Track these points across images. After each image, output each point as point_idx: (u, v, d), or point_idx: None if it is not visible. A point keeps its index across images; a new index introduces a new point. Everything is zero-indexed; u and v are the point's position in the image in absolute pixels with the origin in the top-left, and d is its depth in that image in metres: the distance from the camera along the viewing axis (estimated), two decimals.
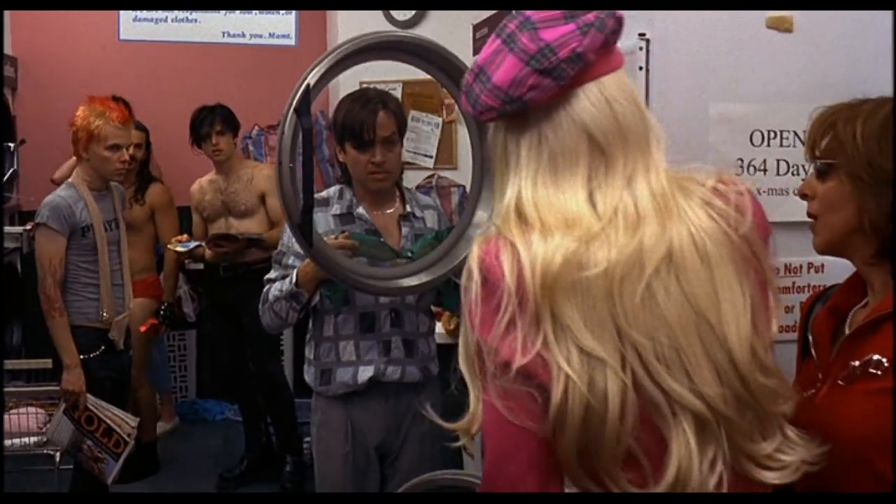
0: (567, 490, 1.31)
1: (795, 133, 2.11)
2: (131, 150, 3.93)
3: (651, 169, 1.29)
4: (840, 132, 1.52)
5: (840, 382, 1.51)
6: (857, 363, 1.49)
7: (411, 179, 5.21)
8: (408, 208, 2.82)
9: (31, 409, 4.08)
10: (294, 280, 2.64)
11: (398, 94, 5.21)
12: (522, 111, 1.29)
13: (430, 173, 5.48)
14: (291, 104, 2.42)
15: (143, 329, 4.73)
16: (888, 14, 2.12)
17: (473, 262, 1.27)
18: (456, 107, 4.77)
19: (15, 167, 5.63)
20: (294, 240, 2.58)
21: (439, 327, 2.97)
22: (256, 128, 5.76)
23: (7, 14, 5.42)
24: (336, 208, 2.76)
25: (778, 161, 2.13)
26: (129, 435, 3.70)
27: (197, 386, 6.23)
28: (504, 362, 1.23)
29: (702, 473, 1.22)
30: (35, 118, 5.80)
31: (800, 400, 1.54)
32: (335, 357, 2.75)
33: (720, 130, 2.09)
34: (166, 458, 5.17)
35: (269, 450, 5.04)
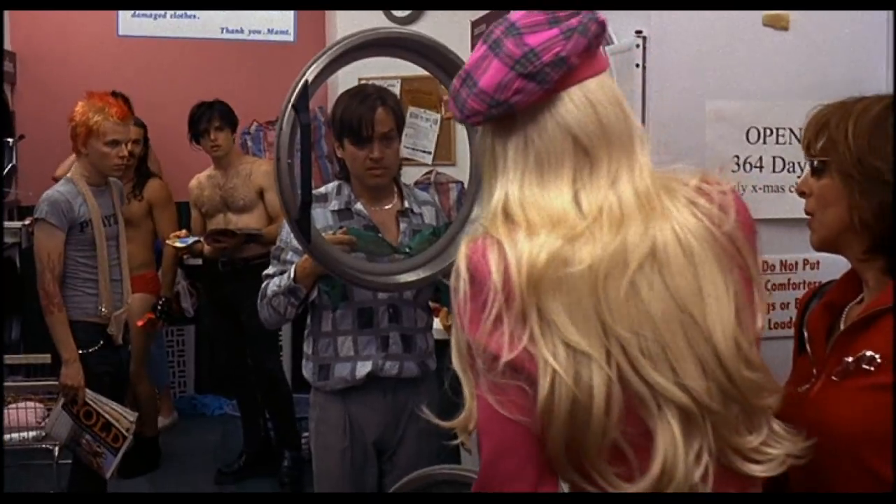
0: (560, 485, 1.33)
1: (791, 130, 2.12)
2: (130, 146, 3.93)
3: (635, 169, 1.31)
4: (833, 131, 1.53)
5: (834, 378, 1.53)
6: (850, 359, 1.50)
7: (410, 175, 5.22)
8: (406, 204, 2.82)
9: (30, 404, 4.10)
10: (292, 275, 2.65)
11: (397, 90, 5.21)
12: (509, 115, 1.32)
13: (428, 169, 5.48)
14: (289, 100, 2.43)
15: (140, 324, 4.74)
16: (883, 13, 2.13)
17: (461, 262, 1.30)
18: None
19: (14, 162, 5.63)
20: (292, 235, 2.59)
21: (437, 323, 2.97)
22: (255, 123, 5.77)
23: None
24: (334, 204, 2.77)
25: (774, 158, 2.14)
26: (127, 429, 3.71)
27: (195, 381, 6.24)
28: (492, 357, 1.25)
29: (687, 465, 1.24)
30: (34, 114, 5.80)
31: (790, 394, 1.56)
32: (333, 352, 2.76)
33: (716, 127, 2.10)
34: (165, 453, 5.18)
35: (267, 445, 5.05)
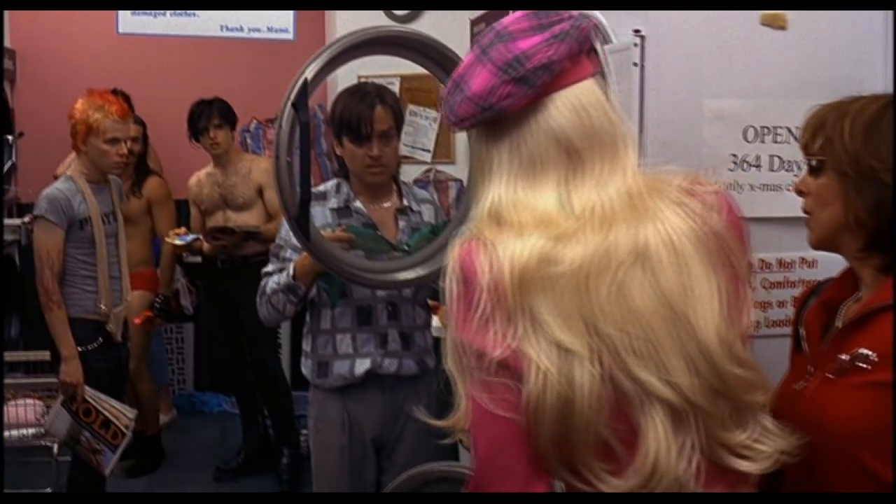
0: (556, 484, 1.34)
1: (789, 129, 2.12)
2: (129, 144, 3.94)
3: (623, 170, 1.34)
4: (829, 130, 1.54)
5: (829, 376, 1.53)
6: (846, 357, 1.51)
7: (409, 173, 5.22)
8: (405, 202, 2.83)
9: (29, 401, 4.10)
10: (291, 273, 2.66)
11: (396, 88, 5.21)
12: (498, 119, 1.35)
13: (427, 167, 5.48)
14: (289, 98, 2.44)
15: (137, 322, 4.75)
16: (880, 13, 2.13)
17: (452, 263, 1.33)
18: None
19: (13, 160, 5.63)
20: (292, 233, 2.60)
21: (436, 321, 2.98)
22: (254, 121, 5.77)
23: None
24: (333, 202, 2.77)
25: (771, 157, 2.14)
26: (126, 427, 3.72)
27: (194, 378, 6.24)
28: (481, 355, 1.27)
29: (675, 461, 1.26)
30: (33, 111, 5.81)
31: (786, 391, 1.58)
32: (332, 350, 2.77)
33: (714, 126, 2.10)
34: (163, 450, 5.18)
35: (266, 442, 5.06)
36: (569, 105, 1.34)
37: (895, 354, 1.43)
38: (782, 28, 2.12)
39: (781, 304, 2.17)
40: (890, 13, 2.13)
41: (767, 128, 2.13)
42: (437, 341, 2.92)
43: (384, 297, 2.75)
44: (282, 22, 5.16)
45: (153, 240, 5.12)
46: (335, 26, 5.34)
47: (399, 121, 2.77)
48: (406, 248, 2.72)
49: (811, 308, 1.71)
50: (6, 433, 3.89)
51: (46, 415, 3.88)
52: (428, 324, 2.90)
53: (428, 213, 2.87)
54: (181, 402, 6.04)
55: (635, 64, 2.08)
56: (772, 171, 2.14)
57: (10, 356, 4.45)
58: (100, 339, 3.70)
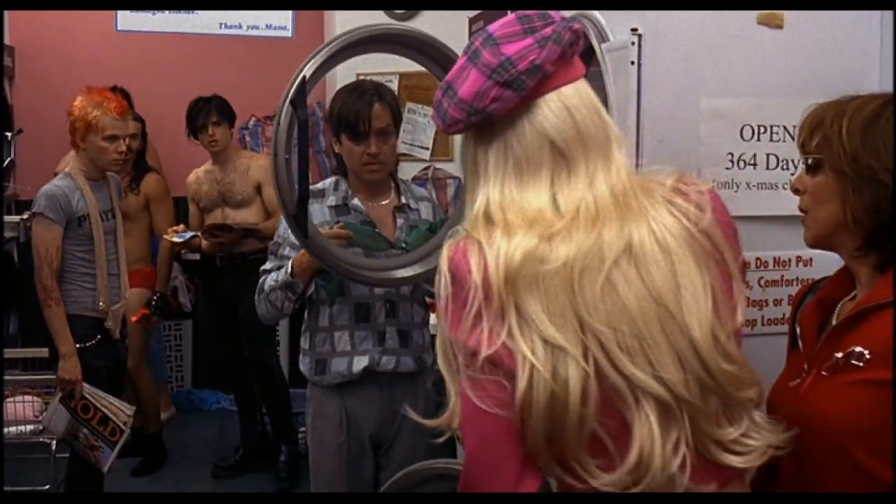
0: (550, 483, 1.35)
1: (785, 128, 2.13)
2: (128, 141, 3.94)
3: (612, 170, 1.36)
4: (827, 128, 1.55)
5: (824, 373, 1.54)
6: (840, 354, 1.52)
7: (408, 171, 5.23)
8: (403, 200, 2.83)
9: (28, 398, 4.11)
10: (289, 270, 2.66)
11: (395, 86, 5.22)
12: (488, 122, 1.37)
13: (426, 165, 5.49)
14: (287, 96, 2.44)
15: (133, 319, 4.75)
16: (877, 12, 2.14)
17: (443, 263, 1.35)
18: None
19: (12, 156, 5.64)
20: (290, 231, 2.60)
21: (433, 318, 2.98)
22: (253, 118, 5.77)
23: None
24: (331, 199, 2.78)
25: (767, 155, 2.15)
26: (124, 423, 3.72)
27: (192, 376, 6.25)
28: (472, 353, 1.29)
29: (665, 456, 1.27)
30: (32, 108, 5.81)
31: (782, 388, 1.59)
32: (330, 347, 2.77)
33: (711, 125, 2.11)
34: None
35: (264, 439, 5.07)
36: (559, 106, 1.36)
37: (895, 351, 1.44)
38: (779, 27, 2.13)
39: (778, 303, 2.18)
40: (885, 12, 2.14)
41: (764, 126, 2.14)
42: (435, 339, 2.92)
43: (382, 294, 2.75)
44: (280, 20, 5.16)
45: (151, 237, 5.12)
46: (334, 24, 5.34)
47: (397, 118, 2.78)
48: (404, 245, 2.72)
49: (807, 306, 1.72)
50: (4, 430, 3.89)
51: (45, 411, 3.88)
52: (426, 321, 2.91)
53: (426, 211, 2.87)
54: (179, 400, 6.04)
55: (633, 62, 2.09)
56: (768, 169, 2.15)
57: (8, 353, 4.45)
58: (98, 336, 3.70)
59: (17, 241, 5.35)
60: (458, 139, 5.35)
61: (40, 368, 4.08)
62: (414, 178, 5.22)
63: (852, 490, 1.48)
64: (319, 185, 2.84)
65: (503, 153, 1.38)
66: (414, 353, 2.81)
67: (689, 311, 1.29)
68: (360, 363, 2.75)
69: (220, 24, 5.14)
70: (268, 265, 2.79)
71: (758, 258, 2.16)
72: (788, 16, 2.13)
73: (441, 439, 1.42)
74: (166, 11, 5.07)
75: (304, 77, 2.45)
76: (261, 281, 2.77)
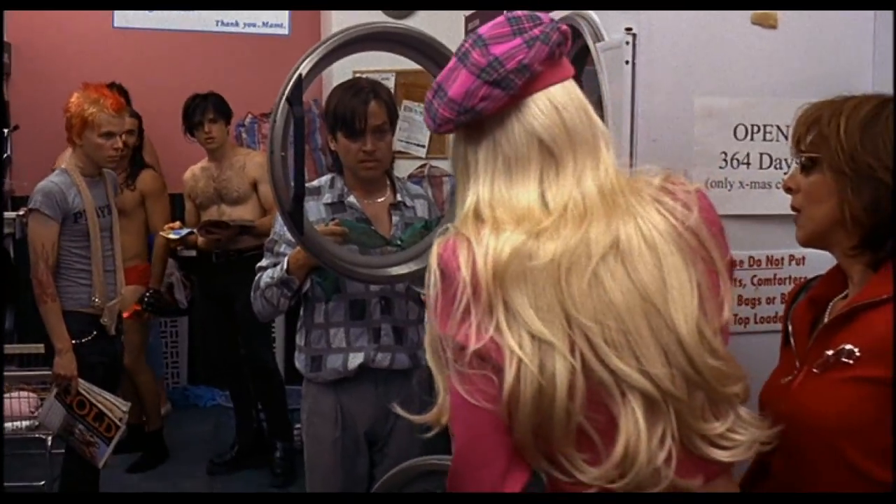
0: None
1: (779, 127, 2.14)
2: (124, 137, 3.94)
3: (600, 168, 1.37)
4: (824, 127, 1.56)
5: (814, 370, 1.56)
6: (831, 352, 1.53)
7: (404, 169, 5.24)
8: (398, 197, 2.84)
9: (23, 394, 4.10)
10: (285, 267, 2.67)
11: (391, 84, 5.22)
12: (477, 121, 1.39)
13: (422, 163, 5.50)
14: (283, 93, 2.45)
15: (125, 315, 4.75)
16: (870, 12, 2.15)
17: (433, 260, 1.36)
18: None
19: (8, 153, 5.63)
20: (286, 228, 2.61)
21: None
22: (250, 116, 5.78)
23: None
24: (327, 197, 2.78)
25: (761, 155, 2.16)
26: (120, 419, 3.72)
27: (188, 372, 6.25)
28: (460, 347, 1.31)
29: (650, 450, 1.29)
30: (28, 104, 5.80)
31: (773, 385, 1.60)
32: (325, 344, 2.78)
33: (705, 124, 2.12)
34: None
35: (259, 436, 5.07)
36: (547, 105, 1.38)
37: (895, 347, 1.45)
38: (773, 27, 2.14)
39: (770, 301, 2.19)
40: (879, 12, 2.15)
41: (758, 126, 2.15)
42: None
43: (377, 291, 2.76)
44: (277, 17, 5.18)
45: (148, 233, 5.12)
46: (330, 22, 5.34)
47: (393, 116, 2.78)
48: (399, 242, 2.73)
49: (799, 304, 1.73)
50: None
51: (40, 407, 3.89)
52: (421, 318, 2.91)
53: (421, 209, 2.88)
54: (175, 396, 6.05)
55: (627, 62, 2.10)
56: (761, 168, 2.16)
57: (4, 348, 4.45)
58: (94, 332, 3.71)
59: (12, 238, 5.34)
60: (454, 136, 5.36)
61: (36, 364, 4.08)
62: (410, 176, 5.22)
63: (842, 486, 1.50)
64: (315, 183, 2.85)
65: (492, 152, 1.39)
66: (409, 349, 2.81)
67: (675, 307, 1.31)
68: (355, 360, 2.75)
69: (217, 22, 5.15)
70: (264, 262, 2.80)
71: (751, 257, 2.17)
72: (782, 16, 2.14)
73: (430, 434, 1.43)
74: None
75: (300, 74, 2.45)
76: (257, 278, 2.77)
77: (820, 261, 1.74)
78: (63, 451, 3.86)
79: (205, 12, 5.29)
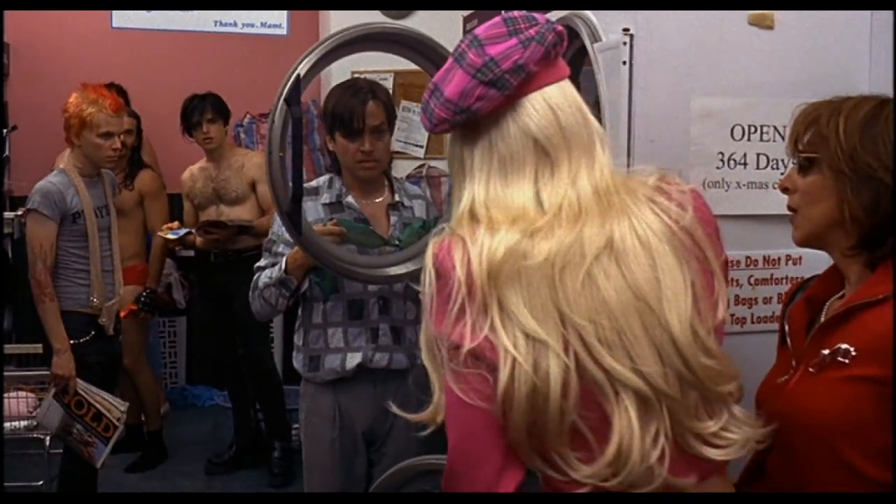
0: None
1: (775, 128, 2.15)
2: (122, 137, 3.95)
3: (595, 168, 1.38)
4: (823, 127, 1.56)
5: (811, 370, 1.56)
6: (827, 351, 1.54)
7: (402, 169, 5.24)
8: (396, 197, 2.84)
9: (22, 394, 4.10)
10: (283, 267, 2.67)
11: (390, 84, 5.23)
12: (473, 121, 1.39)
13: (420, 163, 5.51)
14: (281, 94, 2.46)
15: (123, 314, 4.75)
16: (867, 13, 2.16)
17: (428, 260, 1.37)
18: None
19: (6, 153, 5.63)
20: (284, 228, 2.62)
21: None
22: (248, 116, 5.78)
23: None
24: (325, 197, 2.79)
25: (758, 155, 2.17)
26: (118, 419, 3.73)
27: (187, 372, 6.25)
28: (455, 346, 1.31)
29: (644, 448, 1.29)
30: (26, 104, 5.80)
31: (770, 385, 1.60)
32: (324, 344, 2.78)
33: (702, 124, 2.12)
34: None
35: (257, 436, 5.07)
36: (542, 105, 1.39)
37: (895, 346, 1.45)
38: (769, 28, 2.14)
39: (767, 301, 2.20)
40: (875, 12, 2.16)
41: (754, 126, 2.16)
42: None
43: (375, 291, 2.77)
44: (275, 18, 5.18)
45: (146, 233, 5.12)
46: (329, 22, 5.35)
47: (391, 116, 2.79)
48: (397, 242, 2.74)
49: (796, 304, 1.74)
50: None
51: (39, 407, 3.89)
52: (419, 318, 2.91)
53: (419, 209, 2.88)
54: (173, 396, 6.05)
55: (624, 62, 2.10)
56: (758, 169, 2.17)
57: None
58: (92, 332, 3.71)
59: (11, 238, 5.34)
60: None
61: (34, 364, 4.08)
62: (408, 176, 5.23)
63: (838, 485, 1.50)
64: (313, 183, 2.85)
65: (488, 151, 1.40)
66: (407, 349, 2.82)
67: (668, 306, 1.31)
68: (353, 360, 2.76)
69: (216, 22, 5.15)
70: (262, 262, 2.80)
71: (748, 257, 2.18)
72: (779, 17, 2.14)
73: (425, 433, 1.44)
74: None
75: (298, 75, 2.46)
76: (255, 278, 2.78)
77: (817, 261, 1.75)
78: (61, 450, 3.85)
79: (203, 12, 5.29)
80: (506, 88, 1.36)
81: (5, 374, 4.09)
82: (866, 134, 1.52)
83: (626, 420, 1.29)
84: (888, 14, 2.13)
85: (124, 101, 4.40)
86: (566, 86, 1.43)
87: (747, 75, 2.15)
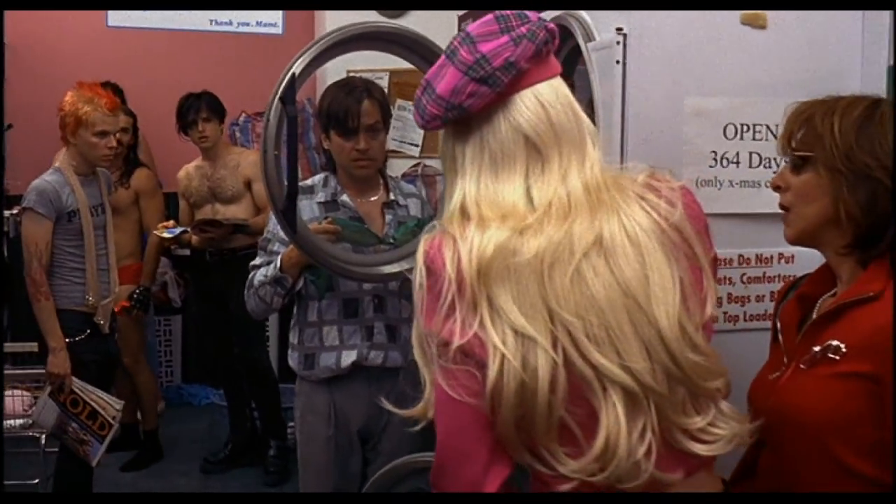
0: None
1: (768, 127, 2.16)
2: (118, 135, 3.95)
3: (586, 165, 1.39)
4: (818, 126, 1.57)
5: (802, 366, 1.57)
6: (818, 348, 1.55)
7: (397, 168, 5.25)
8: (391, 196, 2.85)
9: (17, 392, 4.11)
10: (279, 265, 2.68)
11: (385, 83, 5.23)
12: (464, 118, 1.40)
13: (415, 162, 5.51)
14: (277, 93, 2.46)
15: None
16: (858, 13, 2.17)
17: (419, 257, 1.38)
18: None
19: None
20: (279, 226, 2.62)
21: None
22: (244, 114, 5.77)
23: None
24: (321, 196, 2.79)
25: (750, 154, 2.18)
26: (113, 417, 3.73)
27: (182, 371, 6.25)
28: (444, 343, 1.32)
29: (631, 443, 1.30)
30: (22, 103, 5.79)
31: (762, 381, 1.61)
32: (319, 342, 2.79)
33: (695, 123, 2.13)
34: None
35: (253, 434, 5.08)
36: (533, 102, 1.40)
37: (895, 343, 1.46)
38: (762, 27, 2.15)
39: (760, 299, 2.21)
40: (866, 12, 2.17)
41: (747, 125, 2.17)
42: None
43: (370, 289, 2.77)
44: (271, 16, 5.18)
45: (142, 232, 5.11)
46: (324, 21, 5.35)
47: (386, 115, 2.79)
48: (392, 241, 2.74)
49: (788, 302, 1.75)
50: None
51: (34, 406, 3.89)
52: (413, 316, 2.92)
53: (414, 207, 2.89)
54: (169, 395, 6.05)
55: (617, 61, 2.11)
56: (751, 167, 2.18)
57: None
58: (87, 330, 3.71)
59: (6, 236, 5.34)
60: None
61: (30, 363, 4.08)
62: (404, 175, 5.23)
63: (829, 481, 1.51)
64: (308, 182, 2.85)
65: (479, 148, 1.41)
66: (402, 347, 2.82)
67: (657, 303, 1.32)
68: (348, 358, 2.76)
69: (211, 21, 5.15)
70: (257, 260, 2.81)
71: (740, 255, 2.19)
72: (771, 17, 2.15)
73: (417, 428, 1.45)
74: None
75: (293, 74, 2.46)
76: (250, 276, 2.78)
77: (809, 259, 1.76)
78: (57, 449, 3.86)
79: (199, 11, 5.29)
80: (497, 86, 1.37)
81: None
82: (862, 133, 1.53)
83: (613, 415, 1.30)
84: (880, 13, 2.14)
85: (120, 100, 4.40)
86: (557, 83, 1.43)
87: (740, 75, 2.15)
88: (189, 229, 4.78)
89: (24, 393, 4.13)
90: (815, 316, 1.65)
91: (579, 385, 1.31)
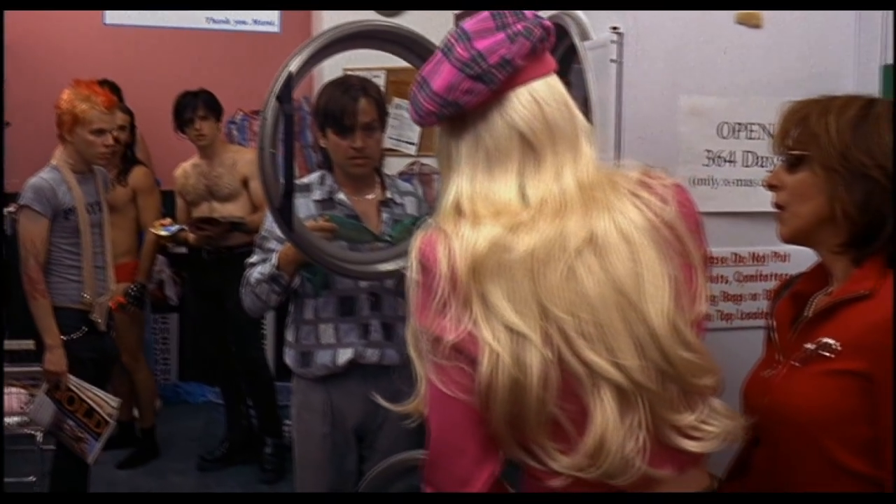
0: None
1: (762, 126, 2.16)
2: (115, 133, 3.95)
3: (580, 163, 1.39)
4: (813, 125, 1.57)
5: (795, 364, 1.58)
6: (811, 346, 1.55)
7: (394, 166, 5.25)
8: (388, 194, 2.86)
9: (13, 390, 4.10)
10: (275, 263, 2.69)
11: (382, 81, 5.22)
12: (460, 114, 1.40)
13: (412, 160, 5.51)
14: (273, 91, 2.47)
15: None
16: (853, 13, 2.18)
17: (413, 254, 1.39)
18: None
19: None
20: (276, 224, 2.63)
21: None
22: (241, 113, 5.77)
23: None
24: (317, 194, 2.80)
25: (745, 153, 2.18)
26: (110, 415, 3.73)
27: (179, 369, 6.25)
28: (437, 339, 1.33)
29: (622, 440, 1.31)
30: (19, 101, 5.79)
31: (756, 379, 1.62)
32: (315, 340, 2.79)
33: (689, 122, 2.14)
34: None
35: (249, 432, 5.08)
36: (528, 99, 1.40)
37: (895, 342, 1.46)
38: (757, 27, 2.16)
39: (754, 297, 2.22)
40: (861, 12, 2.17)
41: (742, 124, 2.17)
42: None
43: (366, 287, 2.78)
44: (268, 15, 5.18)
45: (139, 230, 5.11)
46: (321, 20, 5.35)
47: (383, 113, 2.80)
48: (388, 239, 2.75)
49: (782, 299, 1.75)
50: None
51: (30, 403, 3.89)
52: None
53: (411, 206, 2.89)
54: (166, 393, 6.04)
55: (613, 60, 2.11)
56: (745, 166, 2.18)
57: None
58: (84, 328, 3.71)
59: (3, 234, 5.34)
60: None
61: (26, 360, 4.08)
62: (400, 174, 5.23)
63: (822, 478, 1.52)
64: (305, 180, 2.86)
65: (474, 145, 1.41)
66: (398, 345, 2.82)
67: (648, 300, 1.33)
68: (344, 355, 2.77)
69: (208, 19, 5.15)
70: (254, 258, 2.81)
71: (735, 253, 2.19)
72: (766, 16, 2.16)
73: (410, 422, 1.45)
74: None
75: (290, 73, 2.47)
76: (247, 274, 2.79)
77: (804, 257, 1.76)
78: (53, 446, 3.86)
79: (196, 10, 5.28)
80: (492, 82, 1.37)
81: None
82: (858, 132, 1.54)
83: (604, 412, 1.31)
84: (874, 13, 2.15)
85: (117, 98, 4.39)
86: (553, 81, 1.44)
87: (735, 74, 2.16)
88: (186, 227, 4.78)
89: (21, 390, 4.13)
90: (809, 314, 1.65)
91: (571, 382, 1.32)
